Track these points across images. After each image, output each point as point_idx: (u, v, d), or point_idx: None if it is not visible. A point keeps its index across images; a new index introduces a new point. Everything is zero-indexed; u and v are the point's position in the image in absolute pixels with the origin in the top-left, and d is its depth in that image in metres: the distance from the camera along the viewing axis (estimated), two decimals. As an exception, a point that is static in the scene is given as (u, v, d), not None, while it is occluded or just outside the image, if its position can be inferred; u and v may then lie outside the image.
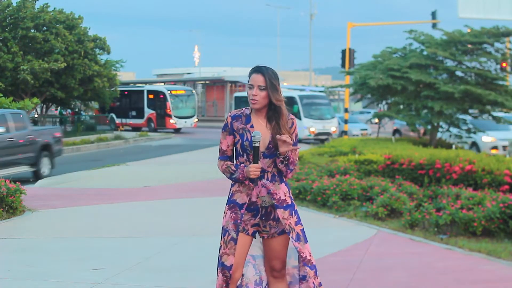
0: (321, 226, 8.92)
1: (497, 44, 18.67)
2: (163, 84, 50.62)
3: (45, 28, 26.24)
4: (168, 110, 36.93)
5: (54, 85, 26.86)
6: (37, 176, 14.97)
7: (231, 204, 4.19)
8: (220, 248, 4.17)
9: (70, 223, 9.20)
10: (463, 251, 7.39)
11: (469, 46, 18.34)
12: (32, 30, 25.83)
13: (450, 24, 26.67)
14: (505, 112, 20.38)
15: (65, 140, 26.14)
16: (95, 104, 37.01)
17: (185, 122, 37.45)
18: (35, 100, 12.85)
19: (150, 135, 33.20)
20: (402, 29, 20.08)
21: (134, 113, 39.54)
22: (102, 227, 8.95)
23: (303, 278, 4.17)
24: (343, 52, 26.82)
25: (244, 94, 34.80)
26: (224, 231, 4.17)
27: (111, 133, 31.52)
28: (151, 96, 38.59)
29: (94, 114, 37.81)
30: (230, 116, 4.23)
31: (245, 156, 4.14)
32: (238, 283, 4.20)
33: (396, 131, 29.50)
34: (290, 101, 28.93)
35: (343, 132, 27.18)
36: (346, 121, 27.31)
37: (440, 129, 19.89)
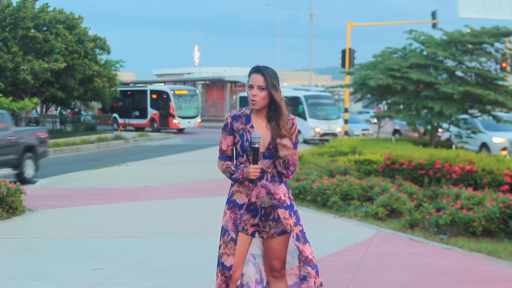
0: (321, 226, 8.92)
1: (497, 44, 18.67)
2: (163, 84, 50.59)
3: (45, 28, 26.24)
4: (172, 110, 36.74)
5: (54, 85, 26.87)
6: (20, 179, 14.05)
7: (231, 204, 4.18)
8: (219, 248, 4.17)
9: (70, 223, 9.20)
10: (463, 251, 7.39)
11: (469, 46, 18.34)
12: (32, 30, 25.83)
13: (450, 24, 26.67)
14: (505, 112, 20.37)
15: (65, 140, 26.22)
16: (97, 104, 36.98)
17: (189, 122, 37.25)
18: (35, 100, 12.84)
19: (150, 135, 33.19)
20: (402, 29, 20.09)
21: (137, 113, 39.33)
22: (102, 227, 8.95)
23: (303, 278, 4.17)
24: (343, 52, 26.81)
25: None
26: (224, 231, 4.17)
27: (111, 133, 31.53)
28: (154, 96, 38.38)
29: (96, 114, 37.84)
30: (230, 116, 4.23)
31: (244, 157, 4.13)
32: (239, 282, 4.20)
33: (396, 131, 29.50)
34: (295, 101, 28.74)
35: (344, 132, 27.14)
36: (346, 121, 27.29)
37: (447, 131, 19.90)
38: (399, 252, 7.53)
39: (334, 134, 27.66)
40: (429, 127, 19.33)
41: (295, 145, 4.19)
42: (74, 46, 26.70)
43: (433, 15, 27.69)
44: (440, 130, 19.48)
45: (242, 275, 4.20)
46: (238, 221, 4.13)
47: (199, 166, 17.76)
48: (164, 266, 6.67)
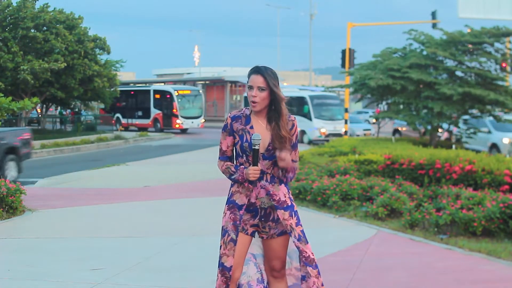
0: (321, 226, 8.92)
1: (497, 44, 18.67)
2: (163, 84, 50.56)
3: (45, 28, 26.24)
4: (175, 110, 36.50)
5: (54, 85, 26.87)
6: None
7: (231, 204, 4.18)
8: (220, 248, 4.18)
9: (70, 223, 9.20)
10: (463, 251, 7.39)
11: (469, 46, 18.34)
12: (32, 30, 25.84)
13: (450, 24, 26.67)
14: (505, 112, 20.36)
15: (65, 140, 26.23)
16: (98, 104, 36.94)
17: (192, 122, 37.01)
18: (35, 99, 12.79)
19: (150, 135, 33.19)
20: (402, 29, 20.08)
21: (140, 113, 39.10)
22: (102, 227, 8.95)
23: (303, 278, 4.17)
24: (343, 52, 26.81)
25: None
26: (224, 231, 4.17)
27: (111, 133, 31.54)
28: (157, 96, 38.16)
29: (99, 114, 37.83)
30: (230, 116, 4.22)
31: (244, 157, 4.13)
32: (239, 282, 4.19)
33: (396, 131, 29.50)
34: (301, 101, 28.58)
35: (344, 132, 27.09)
36: (346, 121, 27.27)
37: (451, 132, 19.87)
38: (399, 252, 7.53)
39: (339, 135, 27.22)
40: (429, 127, 19.33)
41: (295, 146, 4.19)
42: (74, 46, 26.71)
43: (433, 15, 27.69)
44: (440, 130, 19.48)
45: (243, 274, 4.20)
46: (238, 222, 4.13)
47: (199, 166, 17.76)
48: (164, 266, 6.67)
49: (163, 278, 6.19)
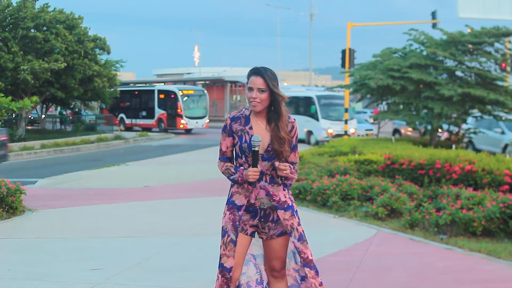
0: (321, 226, 8.92)
1: (497, 44, 18.65)
2: (163, 83, 50.55)
3: (45, 28, 26.24)
4: (179, 110, 36.22)
5: (54, 85, 26.87)
6: None
7: (230, 205, 4.19)
8: (220, 249, 4.18)
9: (70, 223, 9.20)
10: (463, 251, 7.39)
11: (469, 46, 18.32)
12: (32, 30, 25.83)
13: (450, 24, 26.64)
14: (506, 112, 20.35)
15: (65, 140, 26.24)
16: (102, 104, 36.88)
17: (196, 122, 36.66)
18: (34, 98, 12.77)
19: (150, 135, 33.19)
20: (402, 29, 20.04)
21: (144, 113, 38.81)
22: (102, 227, 8.95)
23: (302, 279, 4.17)
24: (343, 52, 26.79)
25: None
26: (224, 232, 4.17)
27: (111, 133, 31.54)
28: (161, 96, 37.86)
29: (103, 114, 37.78)
30: (229, 117, 4.22)
31: (243, 158, 4.13)
32: (239, 282, 4.20)
33: (396, 131, 29.48)
34: (308, 101, 28.33)
35: (344, 132, 27.01)
36: (346, 121, 27.20)
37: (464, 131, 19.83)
38: (399, 252, 7.53)
39: (346, 135, 26.49)
40: (429, 127, 19.32)
41: (294, 148, 4.19)
42: (74, 46, 26.70)
43: (433, 15, 27.67)
44: (440, 130, 19.48)
45: (243, 274, 4.21)
46: (237, 223, 4.13)
47: (199, 166, 17.76)
48: (164, 266, 6.67)
49: (163, 278, 6.19)
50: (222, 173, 4.23)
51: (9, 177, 11.51)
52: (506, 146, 20.66)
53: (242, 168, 4.10)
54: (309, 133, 27.89)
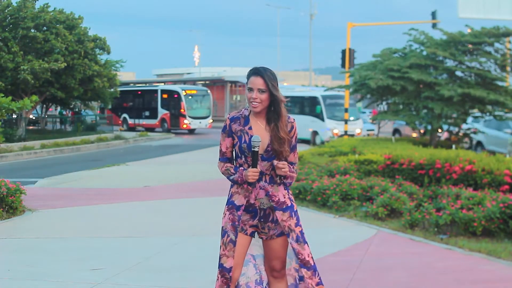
0: (321, 226, 8.93)
1: (497, 44, 18.65)
2: (163, 83, 50.54)
3: (45, 28, 26.24)
4: (183, 110, 36.00)
5: (54, 85, 26.88)
6: None
7: (230, 205, 4.19)
8: (220, 249, 4.18)
9: (70, 223, 9.20)
10: (463, 251, 7.39)
11: (469, 46, 18.32)
12: (33, 30, 25.83)
13: (450, 24, 26.64)
14: (506, 112, 20.34)
15: (65, 140, 26.24)
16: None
17: (200, 122, 36.43)
18: (34, 98, 12.76)
19: (150, 135, 33.18)
20: (402, 29, 20.04)
21: (147, 113, 38.61)
22: (102, 227, 8.95)
23: (301, 279, 4.18)
24: (343, 52, 26.77)
25: None
26: (223, 232, 4.17)
27: (111, 133, 31.55)
28: (165, 96, 37.67)
29: (105, 114, 37.75)
30: (228, 118, 4.22)
31: (243, 158, 4.13)
32: (238, 282, 4.20)
33: (396, 131, 29.45)
34: (313, 101, 28.10)
35: (344, 132, 26.96)
36: (346, 121, 27.16)
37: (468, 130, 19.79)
38: (399, 252, 7.53)
39: (352, 136, 26.19)
40: (429, 127, 19.32)
41: (294, 148, 4.19)
42: (74, 46, 26.71)
43: (433, 15, 27.67)
44: (439, 130, 19.48)
45: (242, 275, 4.21)
46: (237, 223, 4.13)
47: (199, 166, 17.76)
48: (164, 266, 6.67)
49: (163, 278, 6.19)
50: (222, 173, 4.24)
51: (9, 177, 11.51)
52: None
53: (242, 168, 4.10)
54: (315, 133, 27.64)
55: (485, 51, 18.50)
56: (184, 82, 54.14)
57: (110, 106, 37.81)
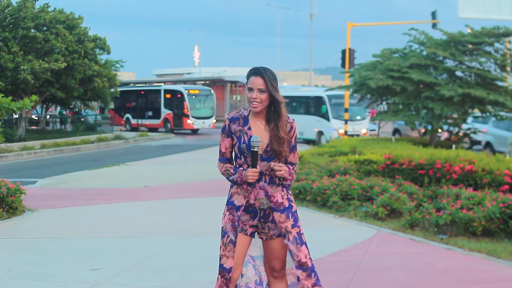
0: (321, 226, 8.93)
1: (497, 44, 18.65)
2: (163, 83, 50.54)
3: (45, 28, 26.25)
4: (186, 110, 35.85)
5: (54, 85, 26.89)
6: None
7: (230, 205, 4.19)
8: (220, 249, 4.18)
9: (70, 223, 9.20)
10: (463, 251, 7.39)
11: (469, 46, 18.32)
12: (33, 30, 25.84)
13: (450, 24, 26.64)
14: (506, 112, 20.34)
15: (65, 140, 26.25)
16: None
17: (203, 122, 36.26)
18: (34, 97, 12.77)
19: (150, 135, 33.18)
20: (402, 29, 20.05)
21: (150, 113, 38.45)
22: (102, 227, 8.95)
23: (298, 279, 4.18)
24: (343, 52, 26.76)
25: None
26: (223, 232, 4.17)
27: (111, 133, 31.55)
28: (168, 96, 37.50)
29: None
30: (228, 118, 4.22)
31: (242, 158, 4.13)
32: (238, 283, 4.20)
33: (396, 131, 29.44)
34: (318, 101, 27.88)
35: (344, 132, 26.92)
36: (346, 121, 27.13)
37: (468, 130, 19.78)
38: (399, 252, 7.53)
39: (358, 136, 25.82)
40: (429, 127, 19.32)
41: (293, 148, 4.19)
42: (74, 46, 26.71)
43: (433, 15, 27.66)
44: (439, 130, 19.48)
45: (242, 276, 4.21)
46: (236, 223, 4.13)
47: (199, 166, 17.76)
48: (164, 266, 6.67)
49: (163, 278, 6.19)
50: (222, 174, 4.23)
51: (9, 177, 11.52)
52: None
53: (242, 168, 4.10)
54: (320, 133, 27.39)
55: (485, 51, 18.50)
56: (184, 82, 54.13)
57: (113, 106, 37.76)
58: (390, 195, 9.47)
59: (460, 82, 18.36)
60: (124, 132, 35.10)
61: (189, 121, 35.89)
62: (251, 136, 4.06)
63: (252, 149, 4.00)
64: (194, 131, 36.86)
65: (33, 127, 33.12)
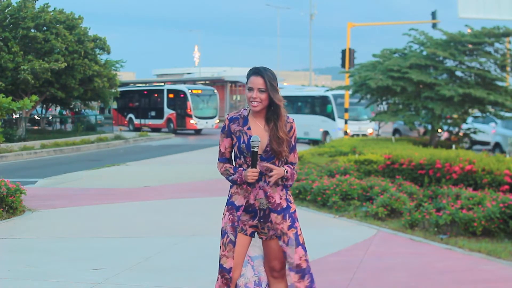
0: (321, 226, 8.93)
1: (497, 45, 18.65)
2: (163, 83, 50.52)
3: (45, 28, 26.26)
4: (189, 110, 35.67)
5: (54, 85, 26.90)
6: None
7: (230, 205, 4.19)
8: (219, 249, 4.18)
9: (70, 223, 9.20)
10: (463, 251, 7.39)
11: (469, 46, 18.33)
12: (33, 30, 25.85)
13: (450, 24, 26.64)
14: (506, 111, 20.35)
15: (65, 140, 26.25)
16: (113, 104, 36.69)
17: (206, 122, 36.05)
18: (34, 97, 12.77)
19: (150, 135, 33.18)
20: (402, 29, 20.07)
21: (153, 113, 38.29)
22: (102, 227, 8.96)
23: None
24: (343, 52, 26.75)
25: None
26: (223, 233, 4.17)
27: (111, 133, 31.56)
28: (171, 96, 37.32)
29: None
30: (227, 118, 4.22)
31: (242, 159, 4.13)
32: (237, 283, 4.19)
33: (396, 131, 29.42)
34: (324, 100, 27.71)
35: (344, 132, 26.88)
36: (346, 121, 27.09)
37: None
38: (399, 252, 7.53)
39: (364, 136, 25.60)
40: (429, 127, 19.32)
41: (293, 148, 4.18)
42: (74, 46, 26.72)
43: (433, 15, 27.66)
44: (439, 130, 19.49)
45: (241, 276, 4.20)
46: (236, 223, 4.13)
47: (199, 166, 17.77)
48: (164, 266, 6.67)
49: (163, 278, 6.19)
50: (221, 174, 4.23)
51: (9, 177, 11.52)
52: None
53: (241, 169, 4.10)
54: (325, 133, 27.15)
55: (485, 51, 18.50)
56: (184, 82, 54.09)
57: (115, 106, 37.69)
58: (390, 195, 9.47)
59: (460, 82, 18.36)
60: (125, 132, 35.10)
61: (192, 121, 35.72)
62: (250, 136, 4.06)
63: (252, 149, 4.00)
64: (197, 131, 36.69)
65: (33, 127, 33.14)
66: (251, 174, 4.01)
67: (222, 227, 4.19)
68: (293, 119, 4.20)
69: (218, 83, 52.66)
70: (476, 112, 19.66)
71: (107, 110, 40.73)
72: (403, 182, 10.64)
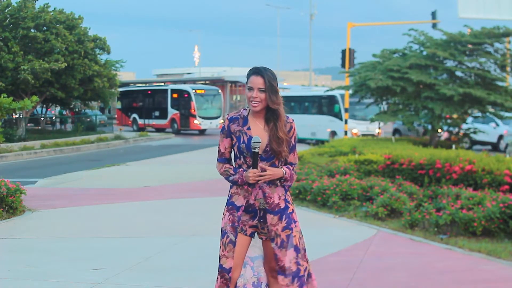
0: (321, 226, 8.93)
1: (497, 45, 18.65)
2: (163, 83, 50.52)
3: (45, 28, 26.27)
4: (193, 110, 35.58)
5: (54, 85, 26.91)
6: None
7: (230, 206, 4.18)
8: (219, 249, 4.18)
9: (70, 223, 9.20)
10: (463, 251, 7.39)
11: (469, 46, 18.33)
12: (33, 30, 25.86)
13: (450, 24, 26.65)
14: (506, 111, 20.36)
15: (65, 140, 26.26)
16: (117, 104, 36.65)
17: (210, 123, 35.95)
18: (34, 98, 12.78)
19: (150, 135, 33.19)
20: (402, 29, 20.05)
21: (157, 113, 38.20)
22: (102, 227, 8.96)
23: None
24: (343, 52, 26.75)
25: None
26: (223, 233, 4.17)
27: (111, 133, 31.57)
28: (175, 96, 37.24)
29: (115, 114, 37.76)
30: (227, 118, 4.22)
31: (242, 159, 4.12)
32: (236, 283, 4.19)
33: (396, 131, 29.41)
34: (331, 100, 27.53)
35: (344, 132, 26.84)
36: (346, 121, 27.05)
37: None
38: (399, 252, 7.53)
39: (372, 136, 25.38)
40: (429, 127, 19.32)
41: (293, 148, 4.18)
42: (74, 46, 26.73)
43: (433, 15, 27.66)
44: (439, 130, 19.49)
45: (240, 276, 4.20)
46: (236, 223, 4.13)
47: (199, 166, 17.77)
48: (164, 266, 6.67)
49: (163, 278, 6.19)
50: (221, 174, 4.22)
51: (9, 177, 11.52)
52: None
53: (242, 169, 4.10)
54: (333, 133, 26.97)
55: (485, 51, 18.50)
56: (184, 82, 54.07)
57: (119, 106, 37.67)
58: (390, 195, 9.47)
59: (460, 82, 18.36)
60: (124, 132, 35.12)
61: (196, 121, 35.60)
62: (250, 137, 4.05)
63: (252, 150, 4.00)
64: (201, 132, 36.56)
65: (33, 127, 33.15)
66: (252, 174, 4.01)
67: (222, 227, 4.18)
68: (292, 119, 4.20)
69: (218, 83, 52.61)
70: (476, 112, 19.67)
71: (107, 110, 40.73)
72: (403, 182, 10.64)
